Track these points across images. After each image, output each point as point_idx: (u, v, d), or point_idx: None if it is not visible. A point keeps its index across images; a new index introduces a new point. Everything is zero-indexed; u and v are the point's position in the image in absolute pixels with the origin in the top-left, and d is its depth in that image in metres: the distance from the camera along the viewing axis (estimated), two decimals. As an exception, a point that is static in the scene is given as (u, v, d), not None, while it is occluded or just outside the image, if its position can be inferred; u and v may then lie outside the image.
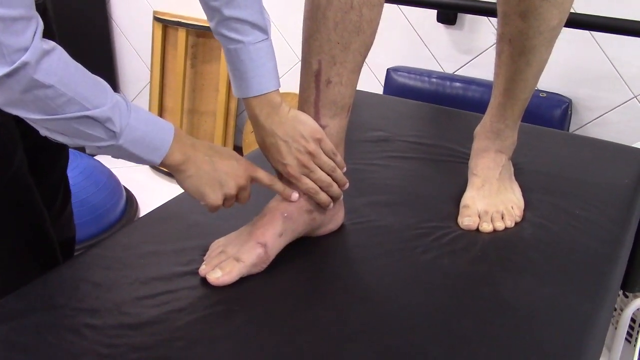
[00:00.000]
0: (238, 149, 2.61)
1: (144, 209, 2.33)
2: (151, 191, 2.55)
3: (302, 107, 0.88)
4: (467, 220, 0.99)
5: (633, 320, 1.43)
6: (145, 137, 0.73)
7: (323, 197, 0.89)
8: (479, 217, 0.99)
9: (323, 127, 0.87)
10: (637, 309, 1.34)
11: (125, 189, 2.33)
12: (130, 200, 2.32)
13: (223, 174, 0.81)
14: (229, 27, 0.82)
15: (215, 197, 0.81)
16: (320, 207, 0.91)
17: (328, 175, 0.89)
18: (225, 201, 0.83)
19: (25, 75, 0.62)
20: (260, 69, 0.84)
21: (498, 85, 1.06)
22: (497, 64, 1.05)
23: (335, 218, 0.95)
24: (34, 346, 0.72)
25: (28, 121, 0.67)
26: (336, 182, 0.90)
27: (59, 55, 0.65)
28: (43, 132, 0.69)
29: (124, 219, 2.20)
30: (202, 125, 2.62)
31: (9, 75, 0.61)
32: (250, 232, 0.87)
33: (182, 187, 0.81)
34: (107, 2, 2.71)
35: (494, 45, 1.05)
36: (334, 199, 0.91)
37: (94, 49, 2.74)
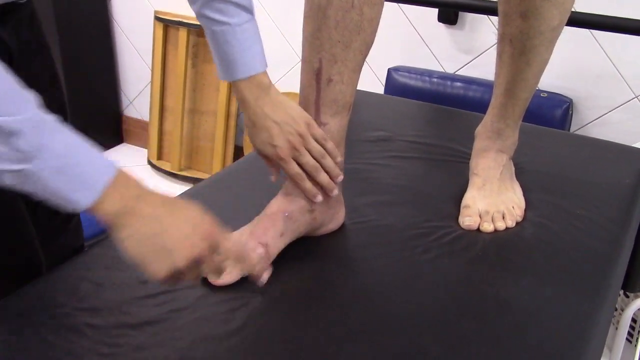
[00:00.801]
0: (239, 148, 2.61)
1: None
2: (152, 191, 2.55)
3: (302, 105, 0.88)
4: (467, 220, 0.99)
5: (634, 320, 1.43)
6: (72, 168, 0.59)
7: (308, 185, 0.87)
8: (480, 217, 0.99)
9: (323, 125, 0.87)
10: (638, 309, 1.34)
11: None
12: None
13: (174, 240, 0.64)
14: (213, 8, 0.81)
15: (158, 269, 0.64)
16: (322, 204, 0.90)
17: (318, 161, 0.87)
18: (171, 277, 0.65)
19: None
20: (248, 50, 0.82)
21: (499, 85, 1.06)
22: (498, 64, 1.05)
23: (336, 218, 0.96)
24: (35, 346, 0.72)
25: None
26: (327, 172, 0.88)
27: None
28: None
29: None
30: (202, 125, 2.62)
31: None
32: (252, 232, 0.87)
33: (120, 247, 0.65)
34: (108, 1, 2.71)
35: (495, 45, 1.05)
36: (325, 189, 0.89)
37: (95, 48, 2.73)
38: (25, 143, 0.56)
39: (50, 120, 0.59)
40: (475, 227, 0.98)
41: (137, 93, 2.87)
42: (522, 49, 0.99)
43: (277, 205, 0.89)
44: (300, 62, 0.89)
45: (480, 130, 1.12)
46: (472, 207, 1.01)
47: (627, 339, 1.41)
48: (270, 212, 0.88)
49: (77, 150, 0.60)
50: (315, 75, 0.85)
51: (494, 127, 1.08)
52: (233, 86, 0.85)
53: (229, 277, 0.82)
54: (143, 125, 2.87)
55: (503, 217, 1.00)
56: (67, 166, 0.59)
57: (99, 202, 0.61)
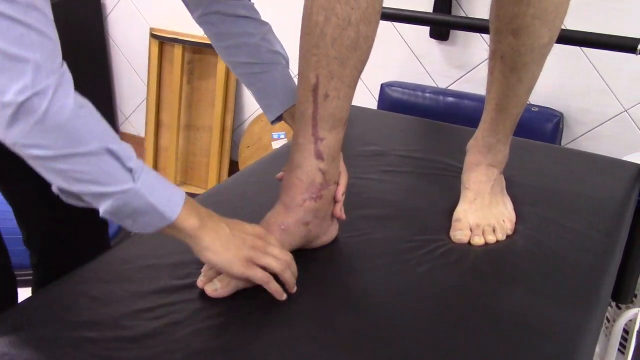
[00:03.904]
0: (234, 163, 2.62)
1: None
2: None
3: (299, 119, 0.89)
4: (459, 234, 1.00)
5: (626, 331, 1.44)
6: (160, 185, 0.72)
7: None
8: (471, 230, 1.01)
9: (321, 139, 0.88)
10: (630, 320, 1.35)
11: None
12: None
13: (240, 232, 0.81)
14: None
15: (239, 260, 0.79)
16: (317, 217, 0.92)
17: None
18: (249, 268, 0.80)
19: (48, 98, 0.61)
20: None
21: (490, 100, 1.07)
22: (489, 80, 1.07)
23: (330, 230, 0.97)
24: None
25: (38, 166, 0.66)
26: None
27: (76, 95, 0.67)
28: (56, 182, 0.68)
29: (121, 233, 2.20)
30: (198, 140, 2.64)
31: (36, 94, 0.60)
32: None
33: (203, 259, 0.80)
34: (104, 18, 2.74)
35: (486, 61, 1.07)
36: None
37: (91, 65, 2.75)
38: (134, 164, 0.69)
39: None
40: (465, 240, 1.00)
41: (133, 109, 2.89)
42: (513, 65, 1.00)
43: (274, 218, 0.90)
44: (295, 78, 0.90)
45: (471, 144, 1.14)
46: (463, 220, 1.02)
47: (619, 349, 1.43)
48: (266, 224, 0.90)
49: (157, 174, 0.73)
50: (312, 90, 0.86)
51: (485, 141, 1.10)
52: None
53: (225, 289, 0.84)
54: (139, 141, 2.89)
55: (494, 231, 1.01)
56: (158, 183, 0.72)
57: (182, 215, 0.74)
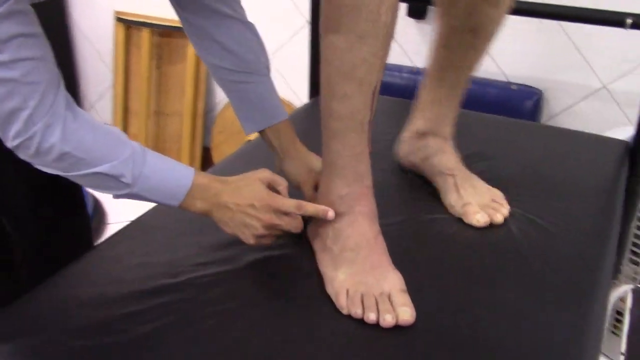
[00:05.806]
0: (206, 149, 2.57)
1: (113, 215, 2.28)
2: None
3: (357, 130, 0.84)
4: (479, 216, 0.98)
5: (619, 313, 1.43)
6: (160, 185, 0.79)
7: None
8: (483, 210, 0.99)
9: (369, 139, 0.86)
10: (620, 299, 1.35)
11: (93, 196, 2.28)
12: (97, 206, 2.26)
13: (246, 217, 0.82)
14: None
15: (247, 239, 0.84)
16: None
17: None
18: (262, 238, 0.84)
19: (37, 141, 0.70)
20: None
21: (447, 77, 1.07)
22: (446, 56, 1.05)
23: None
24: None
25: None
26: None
27: (71, 122, 0.72)
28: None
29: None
30: (168, 127, 2.58)
31: (26, 140, 0.70)
32: (372, 264, 0.84)
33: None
34: (65, 2, 2.64)
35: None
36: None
37: (53, 52, 2.66)
38: (128, 177, 0.76)
39: (138, 149, 0.78)
40: (489, 220, 0.98)
41: (98, 96, 2.81)
42: (485, 36, 1.01)
43: (371, 231, 0.87)
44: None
45: (426, 127, 1.14)
46: (473, 203, 1.00)
47: (612, 331, 1.42)
48: (372, 241, 0.87)
49: (161, 169, 0.80)
50: (373, 94, 0.82)
51: (447, 120, 1.11)
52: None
53: (412, 309, 0.79)
54: (106, 129, 2.81)
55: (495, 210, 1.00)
56: (157, 184, 0.79)
57: (187, 205, 0.82)
